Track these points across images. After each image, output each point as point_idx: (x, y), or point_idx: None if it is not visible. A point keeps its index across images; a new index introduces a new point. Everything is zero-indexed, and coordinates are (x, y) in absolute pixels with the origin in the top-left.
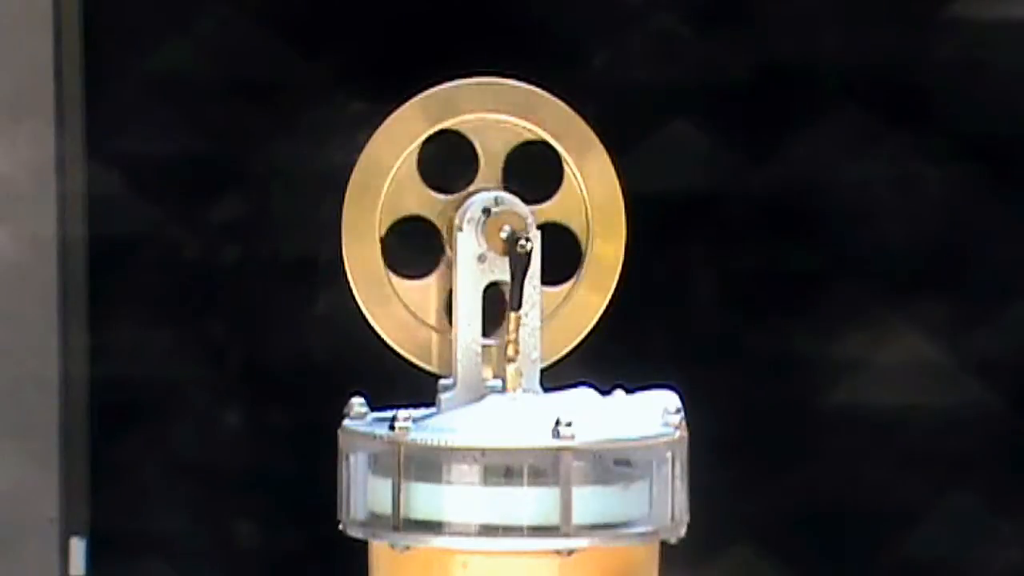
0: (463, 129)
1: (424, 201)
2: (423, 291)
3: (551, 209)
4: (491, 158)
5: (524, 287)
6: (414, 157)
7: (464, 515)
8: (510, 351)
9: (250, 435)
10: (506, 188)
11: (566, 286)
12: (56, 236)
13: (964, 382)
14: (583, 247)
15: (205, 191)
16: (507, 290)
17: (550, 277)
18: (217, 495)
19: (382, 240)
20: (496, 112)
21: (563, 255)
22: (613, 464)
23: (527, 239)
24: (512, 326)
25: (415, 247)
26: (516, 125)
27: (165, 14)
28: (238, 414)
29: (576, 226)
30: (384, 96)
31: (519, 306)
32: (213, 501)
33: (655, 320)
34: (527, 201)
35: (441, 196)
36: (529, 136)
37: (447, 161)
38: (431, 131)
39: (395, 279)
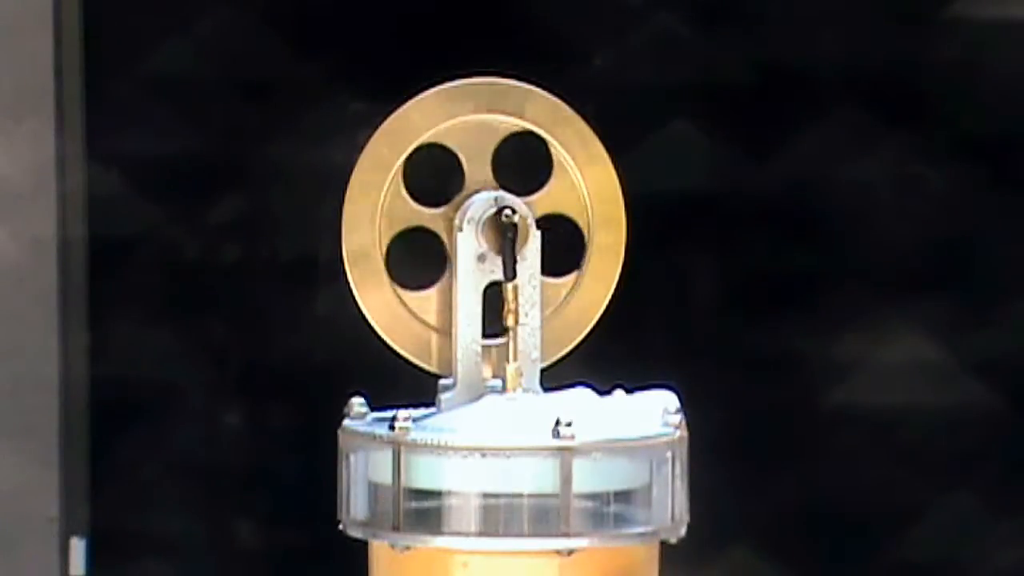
0: (445, 136)
1: (421, 214)
2: (424, 292)
3: (548, 200)
4: (478, 159)
5: (516, 260)
6: (400, 176)
7: (464, 515)
8: (510, 320)
9: (250, 435)
10: (501, 186)
11: (570, 277)
12: (56, 236)
13: (964, 382)
14: (585, 236)
15: (205, 191)
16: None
17: (552, 270)
18: (217, 495)
19: (382, 244)
20: (479, 113)
21: (563, 250)
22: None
23: (512, 210)
24: (510, 296)
25: (415, 246)
26: (498, 122)
27: (165, 14)
28: (238, 414)
29: (576, 216)
30: (384, 96)
31: (513, 275)
32: (213, 501)
33: (655, 320)
34: (523, 193)
35: (435, 210)
36: (513, 129)
37: (443, 167)
38: (412, 148)
39: (396, 276)
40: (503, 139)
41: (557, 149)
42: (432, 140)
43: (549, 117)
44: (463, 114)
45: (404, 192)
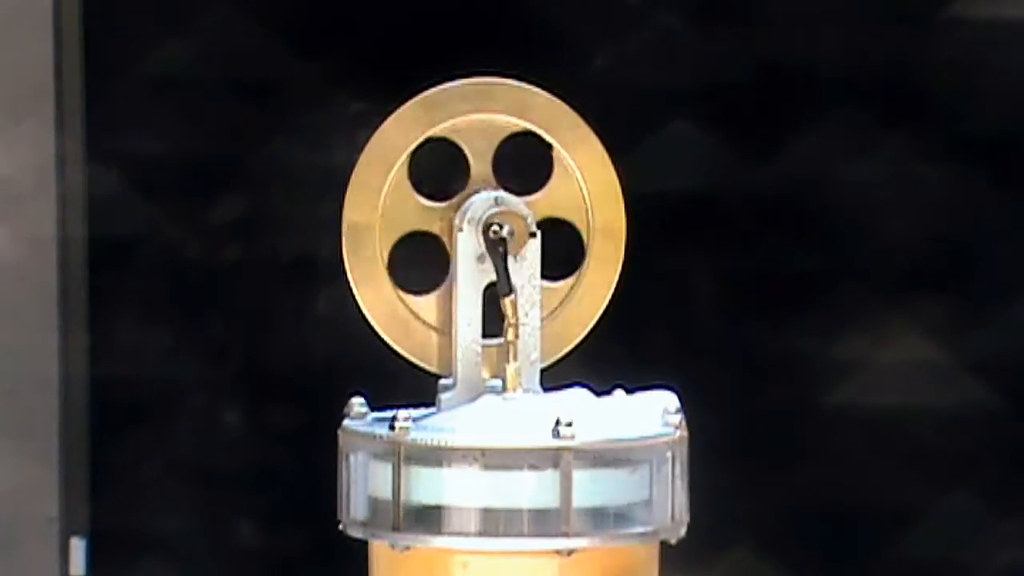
0: (448, 134)
1: (422, 211)
2: (423, 291)
3: (548, 202)
4: (480, 158)
5: (508, 271)
6: (404, 170)
7: (464, 515)
8: (510, 335)
9: (250, 435)
10: (502, 185)
11: (566, 282)
12: (56, 236)
13: (964, 382)
14: (584, 241)
15: (205, 191)
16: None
17: (549, 274)
18: (217, 495)
19: (383, 246)
20: (483, 112)
21: (561, 254)
22: (613, 464)
23: (500, 225)
24: (509, 311)
25: (416, 249)
26: (501, 121)
27: (165, 14)
28: (238, 414)
29: (575, 216)
30: (384, 96)
31: (509, 290)
32: (213, 501)
33: (655, 320)
34: (522, 193)
35: (437, 204)
36: (514, 129)
37: (442, 166)
38: (417, 142)
39: (399, 287)
40: (505, 138)
41: (560, 151)
42: (437, 135)
43: (552, 118)
44: (464, 113)
45: (405, 190)
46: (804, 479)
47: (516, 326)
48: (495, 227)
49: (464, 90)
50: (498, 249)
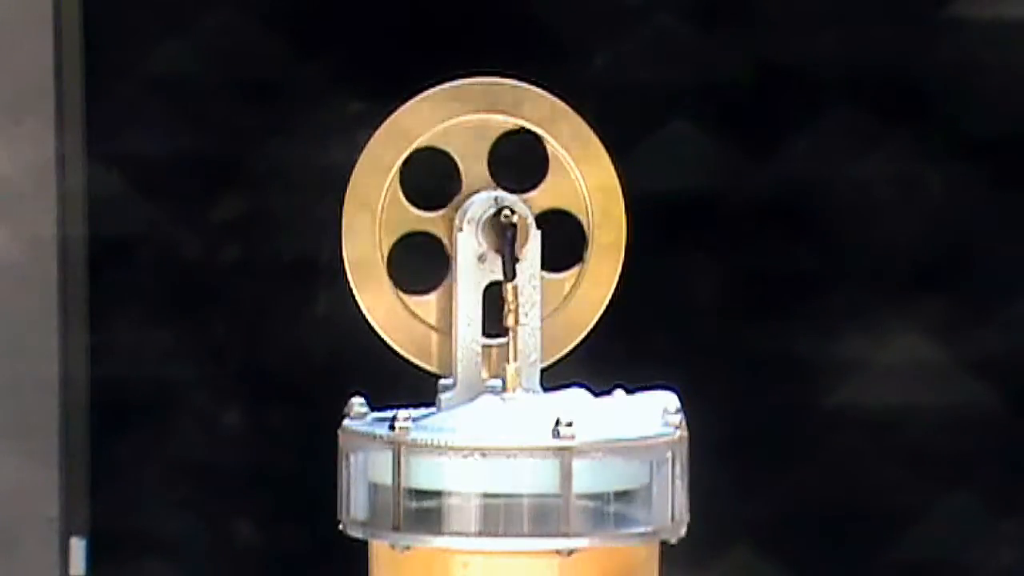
0: (435, 143)
1: (420, 217)
2: (423, 291)
3: (546, 196)
4: (474, 160)
5: (516, 260)
6: (397, 183)
7: (464, 515)
8: (510, 320)
9: (250, 435)
10: (500, 184)
11: (571, 272)
12: (56, 236)
13: (964, 382)
14: (585, 230)
15: (205, 191)
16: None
17: (553, 266)
18: (217, 495)
19: (383, 246)
20: (480, 112)
21: (564, 245)
22: (613, 464)
23: (511, 210)
24: (510, 296)
25: (417, 249)
26: (493, 121)
27: (165, 14)
28: (238, 414)
29: (575, 210)
30: (384, 96)
31: (513, 275)
32: (213, 501)
33: (655, 320)
34: (521, 191)
35: (432, 214)
36: (507, 127)
37: (442, 168)
38: (405, 154)
39: (399, 288)
40: (498, 138)
41: (552, 144)
42: (428, 144)
43: (544, 114)
44: (457, 115)
45: (402, 196)
46: (804, 479)
47: (516, 312)
48: (506, 212)
49: (458, 91)
50: (507, 234)
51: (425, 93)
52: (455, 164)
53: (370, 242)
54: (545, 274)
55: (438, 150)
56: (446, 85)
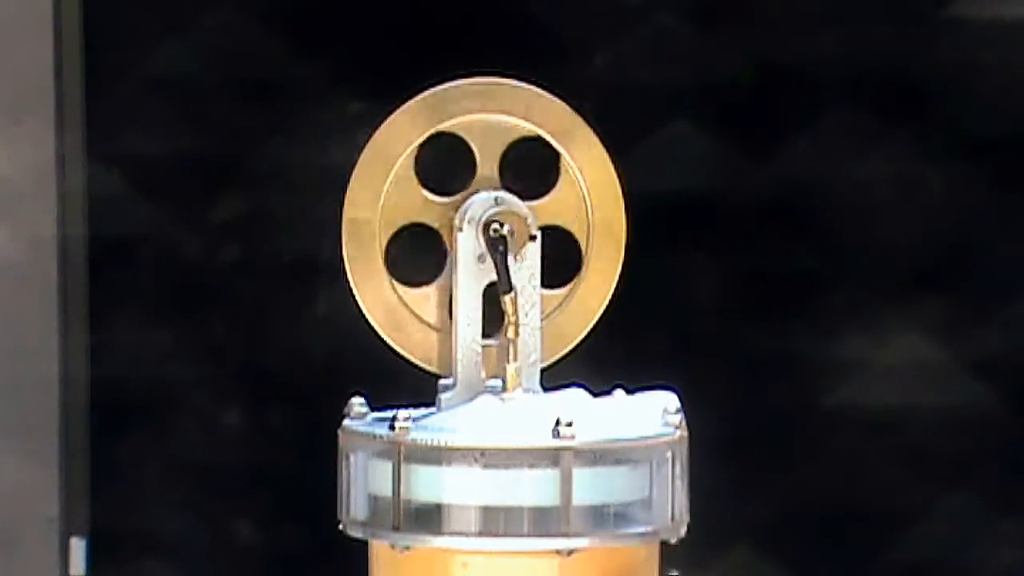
0: (458, 131)
1: (424, 206)
2: (424, 291)
3: (550, 208)
4: (488, 158)
5: (509, 269)
6: (411, 161)
7: (464, 515)
8: (510, 332)
9: (250, 435)
10: (506, 188)
11: (564, 290)
12: (56, 236)
13: (964, 382)
14: (584, 242)
15: (205, 191)
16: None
17: (547, 282)
18: (217, 495)
19: (382, 242)
20: (493, 112)
21: (562, 259)
22: (613, 464)
23: (500, 223)
24: (509, 308)
25: (416, 248)
26: (511, 124)
27: (165, 14)
28: (238, 414)
29: (575, 220)
30: (384, 96)
31: (509, 288)
32: (213, 501)
33: (655, 320)
34: (525, 198)
35: (440, 199)
36: (525, 133)
37: (444, 163)
38: (426, 135)
39: (396, 279)
40: (513, 142)
41: (567, 159)
42: (451, 129)
43: (553, 119)
44: (470, 111)
45: (409, 184)
46: (804, 479)
47: (516, 324)
48: (495, 225)
49: (468, 89)
50: (498, 247)
51: (433, 89)
52: (470, 156)
53: (370, 237)
54: (544, 291)
55: (448, 140)
56: (453, 83)
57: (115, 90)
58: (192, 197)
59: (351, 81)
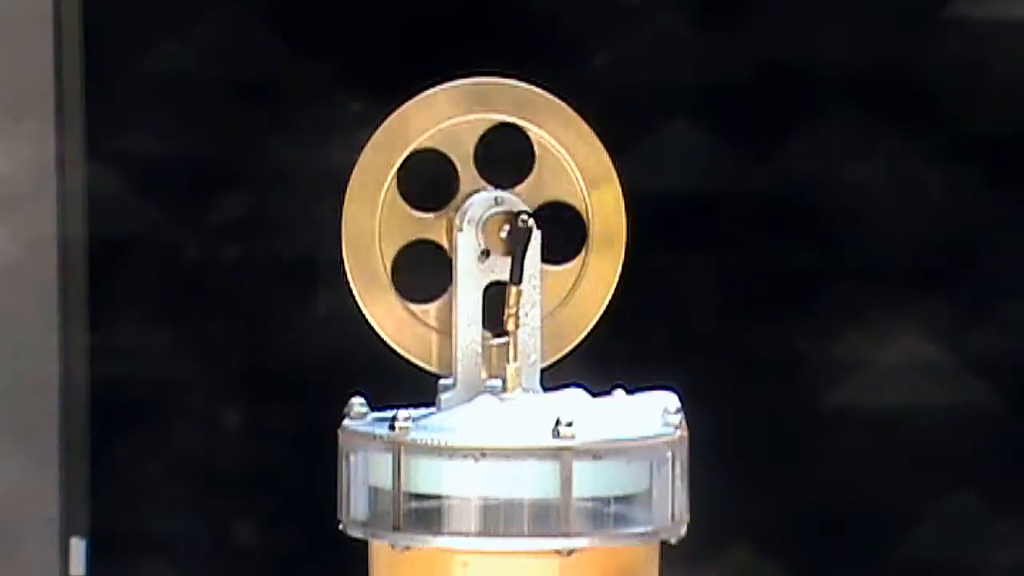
0: (428, 145)
1: (419, 222)
2: (424, 291)
3: (539, 188)
4: (463, 159)
5: (524, 267)
6: (395, 185)
7: (464, 515)
8: (510, 325)
9: (250, 435)
10: (491, 182)
11: (574, 264)
12: (56, 236)
13: (964, 382)
14: (585, 218)
15: (205, 191)
16: (507, 285)
17: (553, 258)
18: (217, 495)
19: (384, 250)
20: (474, 113)
21: (562, 238)
22: (613, 464)
23: (528, 215)
24: (512, 300)
25: (417, 254)
26: (480, 121)
27: (165, 14)
28: (238, 414)
29: (572, 199)
30: (384, 96)
31: (520, 280)
32: (213, 501)
33: (655, 320)
34: (510, 186)
35: (430, 215)
36: (487, 124)
37: (428, 174)
38: (401, 158)
39: (395, 275)
40: (480, 136)
41: (537, 133)
42: (422, 147)
43: (527, 107)
44: (447, 118)
45: (400, 201)
46: (804, 479)
47: (516, 316)
48: (523, 216)
49: (447, 94)
50: (523, 238)
51: (414, 99)
52: (451, 165)
53: (372, 248)
54: (546, 267)
55: (434, 152)
56: (432, 90)
57: (115, 90)
58: (192, 197)
59: (351, 81)
